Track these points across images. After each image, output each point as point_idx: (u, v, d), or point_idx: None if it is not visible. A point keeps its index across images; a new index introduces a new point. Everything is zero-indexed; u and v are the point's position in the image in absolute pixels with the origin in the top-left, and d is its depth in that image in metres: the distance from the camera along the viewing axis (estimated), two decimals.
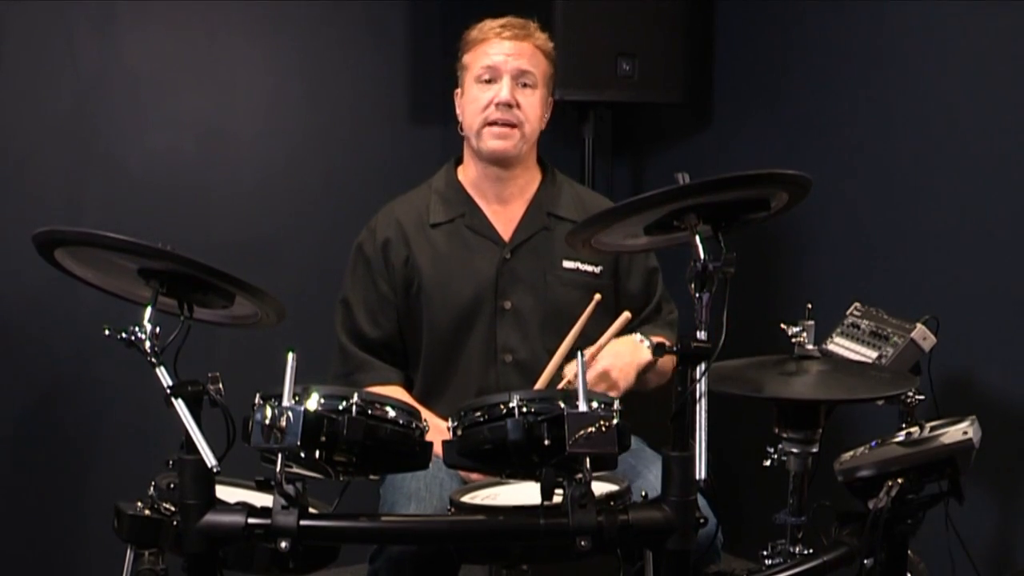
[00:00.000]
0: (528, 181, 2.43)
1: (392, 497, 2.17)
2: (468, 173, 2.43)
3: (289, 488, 1.65)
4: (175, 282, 1.75)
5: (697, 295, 1.74)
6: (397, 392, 2.34)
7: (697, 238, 1.74)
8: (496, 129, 2.32)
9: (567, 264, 2.38)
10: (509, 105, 2.31)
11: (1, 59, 2.98)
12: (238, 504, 1.70)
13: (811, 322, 2.20)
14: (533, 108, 2.35)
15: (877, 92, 3.03)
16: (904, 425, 2.13)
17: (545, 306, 2.36)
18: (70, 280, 1.85)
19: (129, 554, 1.75)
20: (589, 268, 2.38)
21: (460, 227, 2.39)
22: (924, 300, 2.76)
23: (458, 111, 2.42)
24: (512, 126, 2.33)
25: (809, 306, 2.22)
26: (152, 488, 1.77)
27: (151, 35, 3.15)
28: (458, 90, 2.42)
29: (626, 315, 2.25)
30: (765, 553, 2.18)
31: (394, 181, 2.58)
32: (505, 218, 2.41)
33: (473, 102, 2.34)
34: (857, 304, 2.56)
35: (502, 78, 2.31)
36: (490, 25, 2.36)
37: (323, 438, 1.65)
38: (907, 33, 2.95)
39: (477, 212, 2.40)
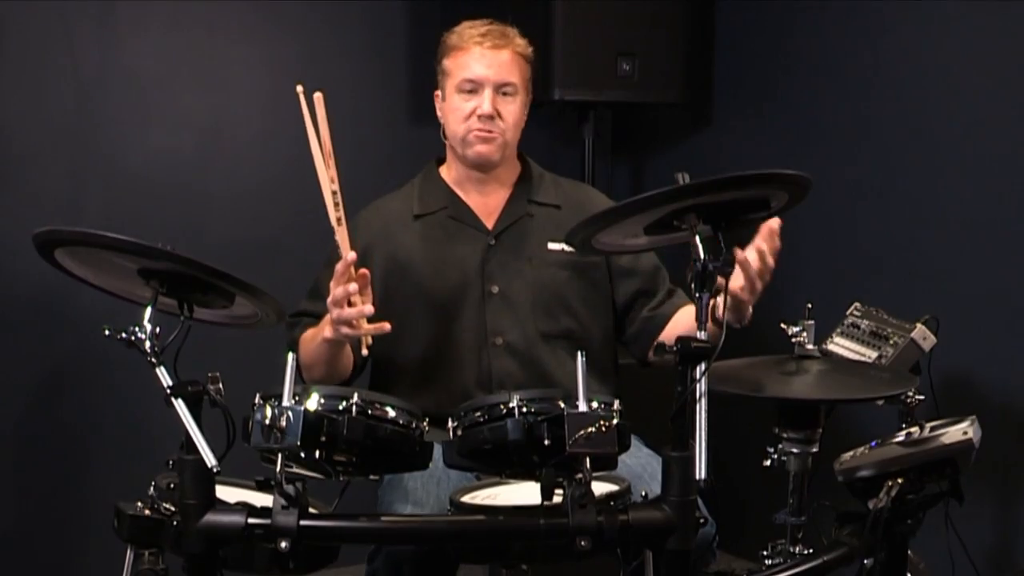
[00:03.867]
0: (508, 175, 2.47)
1: (389, 497, 2.17)
2: (450, 172, 2.47)
3: (289, 488, 1.65)
4: (175, 282, 1.75)
5: (697, 295, 1.74)
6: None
7: (697, 238, 1.74)
8: (480, 134, 2.35)
9: (552, 246, 2.40)
10: (491, 117, 2.34)
11: (1, 59, 2.98)
12: (238, 504, 1.70)
13: (811, 322, 2.20)
14: (513, 115, 2.38)
15: (877, 92, 3.03)
16: (904, 425, 2.13)
17: (533, 288, 2.38)
18: (70, 280, 1.85)
19: (129, 554, 1.75)
20: (573, 248, 2.39)
21: (443, 217, 2.42)
22: (924, 300, 2.76)
23: (439, 114, 2.44)
24: (494, 133, 2.36)
25: (809, 306, 2.22)
26: (152, 488, 1.77)
27: (151, 35, 3.15)
28: (438, 92, 2.44)
29: (317, 95, 2.14)
30: (765, 553, 2.18)
31: (394, 181, 2.58)
32: (487, 209, 2.44)
33: (455, 111, 2.37)
34: (857, 304, 2.56)
35: (484, 90, 2.34)
36: (470, 33, 2.38)
37: (323, 438, 1.66)
38: (907, 33, 2.95)
39: (460, 203, 2.43)
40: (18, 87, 3.00)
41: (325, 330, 2.17)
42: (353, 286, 2.09)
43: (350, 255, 2.09)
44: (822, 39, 3.18)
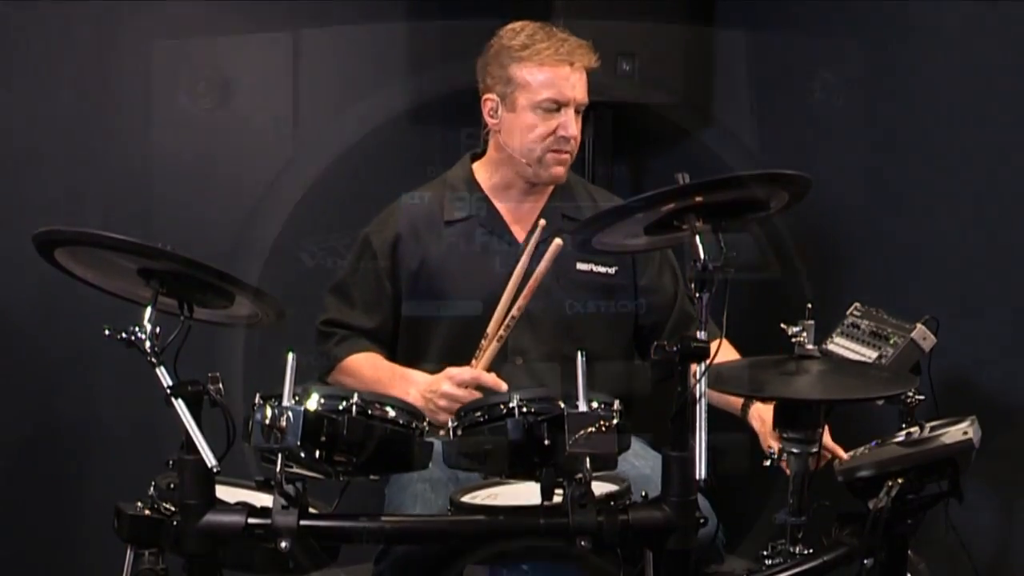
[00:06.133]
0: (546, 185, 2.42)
1: (398, 499, 2.17)
2: (491, 175, 2.40)
3: (289, 488, 1.66)
4: (175, 282, 1.75)
5: (697, 295, 1.74)
6: (373, 357, 2.33)
7: (697, 238, 1.74)
8: (559, 156, 2.32)
9: (581, 266, 2.37)
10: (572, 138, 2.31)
11: (1, 60, 2.98)
12: (238, 504, 1.70)
13: (811, 322, 2.20)
14: (580, 131, 2.35)
15: (877, 91, 3.03)
16: (904, 425, 2.13)
17: (559, 309, 2.34)
18: (70, 280, 1.85)
19: (129, 554, 1.75)
20: (603, 269, 2.37)
21: (475, 226, 2.37)
22: (924, 300, 2.76)
23: (491, 120, 2.36)
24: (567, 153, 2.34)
25: (809, 306, 2.22)
26: (152, 488, 1.77)
27: (151, 35, 3.15)
28: (492, 96, 2.35)
29: (558, 242, 2.18)
30: (765, 553, 2.18)
31: (394, 181, 2.58)
32: (518, 215, 2.39)
33: (532, 129, 2.31)
34: (857, 304, 2.56)
35: (567, 110, 2.30)
36: (548, 46, 2.31)
37: (323, 438, 1.66)
38: (907, 33, 2.95)
39: (493, 213, 2.39)
40: (18, 87, 3.00)
41: (410, 394, 2.12)
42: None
43: (502, 387, 2.10)
44: (822, 39, 3.18)
